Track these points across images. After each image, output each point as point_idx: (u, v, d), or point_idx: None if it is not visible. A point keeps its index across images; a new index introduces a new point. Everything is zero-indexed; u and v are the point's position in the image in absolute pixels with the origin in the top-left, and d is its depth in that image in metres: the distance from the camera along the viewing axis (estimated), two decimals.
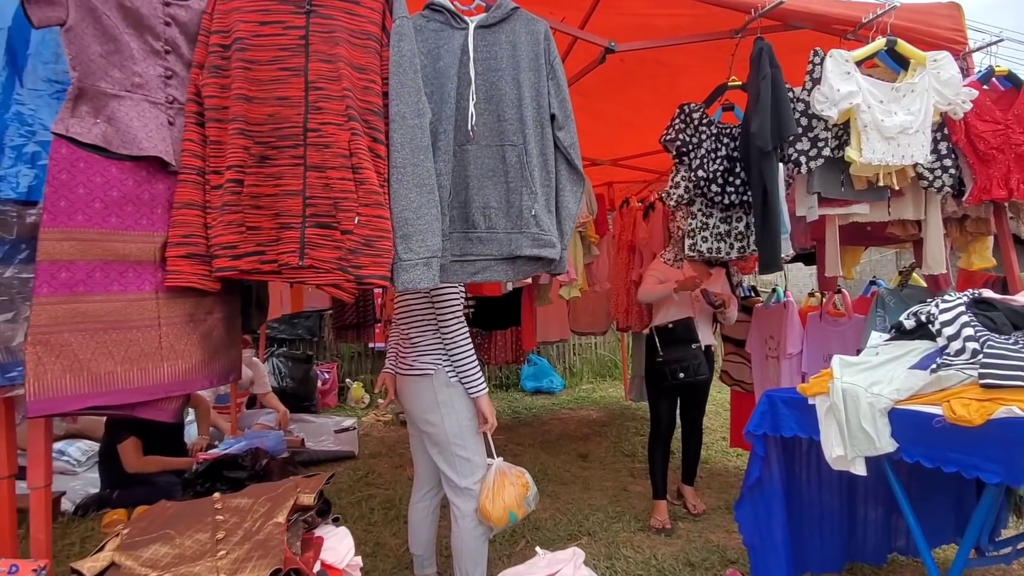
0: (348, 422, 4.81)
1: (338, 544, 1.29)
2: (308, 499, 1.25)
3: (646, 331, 3.20)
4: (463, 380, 1.85)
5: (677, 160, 2.39)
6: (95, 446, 3.88)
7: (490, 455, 1.91)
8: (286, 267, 1.38)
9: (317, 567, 1.18)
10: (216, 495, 1.28)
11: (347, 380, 5.98)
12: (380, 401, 5.55)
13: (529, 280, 3.10)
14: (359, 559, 1.35)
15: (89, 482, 3.45)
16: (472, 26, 1.61)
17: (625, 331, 4.85)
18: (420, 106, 1.44)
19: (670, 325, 2.81)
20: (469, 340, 1.86)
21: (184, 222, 1.31)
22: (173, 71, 1.35)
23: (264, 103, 1.37)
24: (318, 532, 1.29)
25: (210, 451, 3.42)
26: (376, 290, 4.48)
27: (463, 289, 1.92)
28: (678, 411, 3.00)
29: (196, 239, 1.32)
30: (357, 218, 1.35)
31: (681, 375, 2.71)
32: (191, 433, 3.87)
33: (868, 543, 2.21)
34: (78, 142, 1.20)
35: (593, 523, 2.84)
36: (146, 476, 3.17)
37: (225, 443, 3.50)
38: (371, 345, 5.98)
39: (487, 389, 1.91)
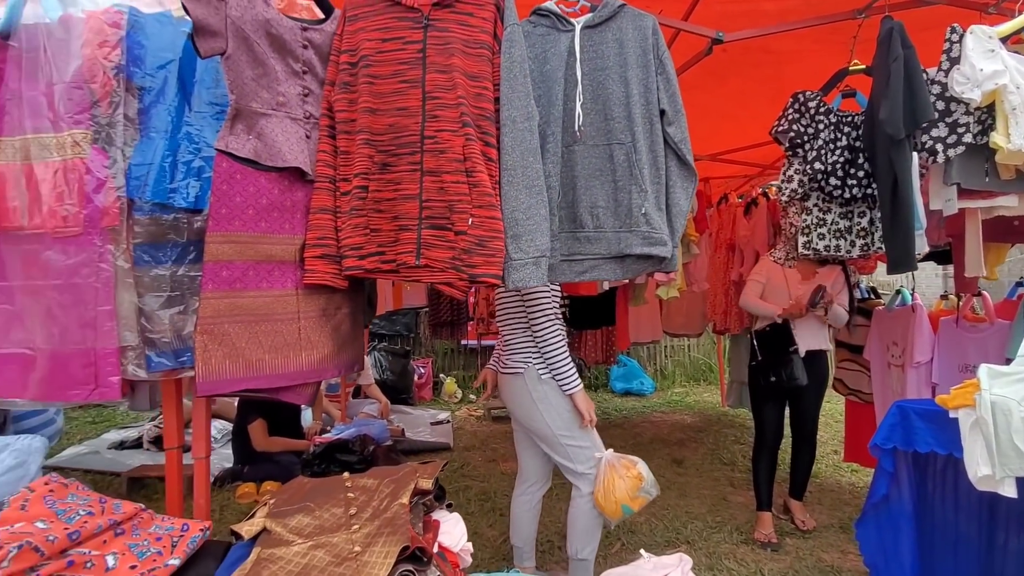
0: (443, 415, 5.02)
1: (452, 528, 1.36)
2: (426, 484, 1.33)
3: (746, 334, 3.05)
4: (556, 377, 1.89)
5: (790, 152, 2.26)
6: (228, 426, 4.36)
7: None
8: (403, 266, 1.48)
9: (435, 548, 1.26)
10: (345, 475, 1.40)
11: (441, 375, 6.24)
12: (473, 397, 5.73)
13: (625, 280, 3.06)
14: (470, 545, 1.41)
15: (224, 457, 3.88)
16: (578, 27, 1.63)
17: (722, 333, 4.64)
18: (529, 109, 1.48)
19: (768, 328, 2.66)
20: (561, 337, 1.89)
21: (319, 226, 1.45)
22: (310, 89, 1.50)
23: (385, 114, 1.48)
24: (435, 516, 1.37)
25: (323, 435, 3.72)
26: (471, 289, 4.63)
27: (558, 289, 1.95)
28: (787, 420, 2.83)
29: (328, 241, 1.45)
30: (471, 219, 1.41)
31: (773, 379, 2.57)
32: (306, 418, 4.23)
33: (1008, 573, 1.96)
34: (235, 156, 1.36)
35: (692, 531, 2.75)
36: (270, 454, 3.51)
37: (337, 428, 3.79)
38: (464, 342, 6.19)
39: (581, 385, 1.92)
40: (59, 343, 1.29)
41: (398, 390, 5.46)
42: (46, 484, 1.15)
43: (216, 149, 1.35)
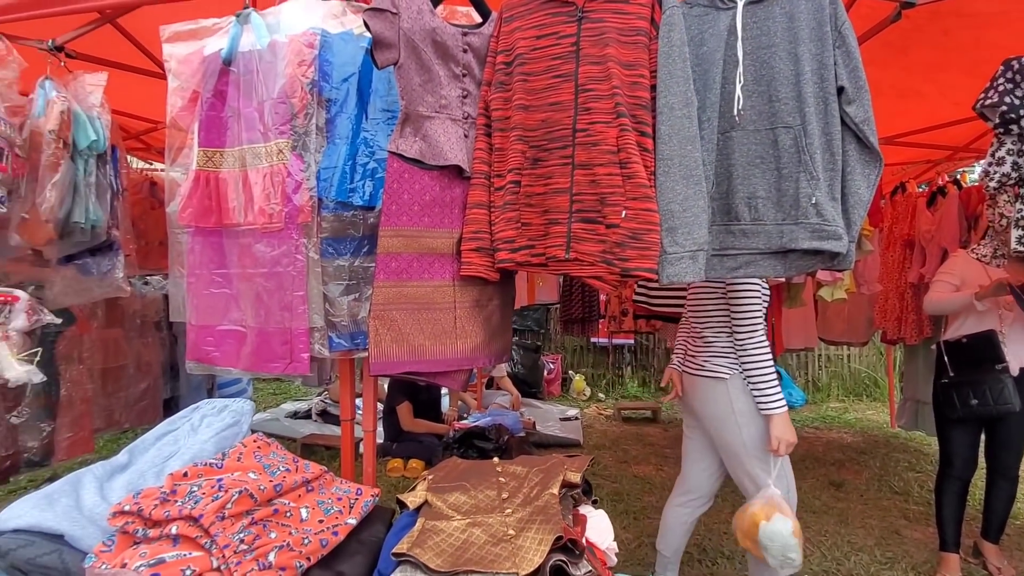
0: (572, 412, 5.03)
1: (600, 524, 1.35)
2: (575, 477, 1.34)
3: (932, 345, 2.61)
4: (755, 393, 1.67)
5: (1001, 129, 1.89)
6: (379, 406, 4.82)
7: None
8: (553, 260, 1.49)
9: (583, 543, 1.25)
10: (495, 459, 1.45)
11: (570, 372, 6.26)
12: (602, 396, 5.62)
13: (781, 279, 2.79)
14: (615, 544, 1.39)
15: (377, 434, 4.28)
16: (740, 4, 1.51)
17: (894, 343, 4.05)
18: (688, 95, 1.42)
19: (964, 339, 2.25)
20: (766, 349, 1.68)
21: (474, 220, 1.52)
22: (468, 91, 1.58)
23: (538, 110, 1.51)
24: (581, 511, 1.37)
25: (461, 421, 3.94)
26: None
27: (765, 289, 1.74)
28: (981, 448, 2.38)
29: (483, 235, 1.52)
30: (624, 212, 1.39)
31: (974, 402, 2.16)
32: (443, 404, 4.51)
33: None
34: (404, 157, 1.48)
35: (856, 564, 2.45)
36: (415, 434, 3.80)
37: (473, 416, 3.99)
38: (594, 340, 6.14)
39: (786, 407, 1.67)
40: (264, 322, 1.51)
41: (528, 384, 5.58)
42: (255, 442, 1.35)
43: (388, 151, 1.48)
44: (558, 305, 5.53)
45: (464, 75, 1.57)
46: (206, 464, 1.17)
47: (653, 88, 1.43)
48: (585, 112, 1.45)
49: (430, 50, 1.53)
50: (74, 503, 1.07)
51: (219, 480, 1.11)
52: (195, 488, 1.07)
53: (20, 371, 1.62)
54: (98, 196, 2.04)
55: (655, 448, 4.16)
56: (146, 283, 3.89)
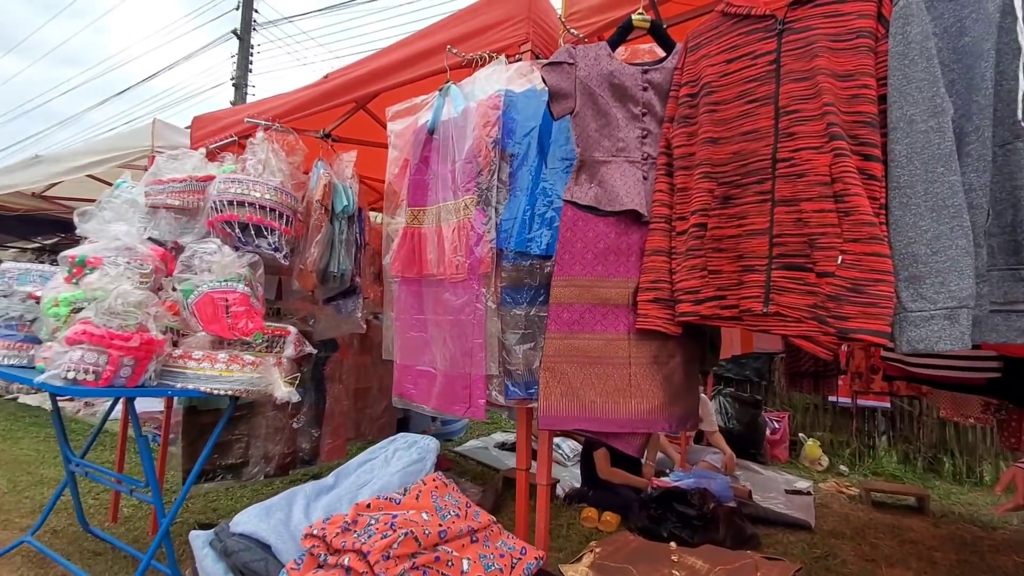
0: (802, 484, 4.23)
1: None
2: None
3: None
4: None
5: None
6: (579, 447, 4.79)
7: None
8: (748, 313, 1.27)
9: None
10: (673, 545, 1.26)
11: (801, 435, 5.31)
12: (844, 469, 4.60)
13: None
14: None
15: (574, 476, 4.24)
16: None
17: None
18: (936, 102, 1.08)
19: None
20: None
21: (653, 268, 1.39)
22: (648, 130, 1.48)
23: (728, 142, 1.32)
24: None
25: (662, 478, 3.64)
26: None
27: None
28: None
29: (662, 284, 1.37)
30: (840, 258, 1.11)
31: None
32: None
33: None
34: (578, 204, 1.45)
35: None
36: (613, 484, 3.63)
37: (675, 474, 3.64)
38: (832, 399, 5.13)
39: None
40: (449, 366, 1.61)
41: (745, 443, 4.90)
42: (434, 480, 1.42)
43: (563, 200, 1.47)
44: (783, 355, 4.78)
45: (644, 114, 1.48)
46: (387, 499, 1.27)
47: (883, 100, 1.13)
48: (788, 138, 1.22)
49: (607, 94, 1.48)
50: (285, 518, 1.27)
51: (393, 517, 1.19)
52: (372, 521, 1.16)
53: (285, 391, 2.03)
54: (347, 250, 2.49)
55: (918, 548, 3.20)
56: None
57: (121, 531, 2.81)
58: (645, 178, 1.46)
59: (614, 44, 1.52)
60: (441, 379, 1.64)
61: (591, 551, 1.27)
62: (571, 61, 1.46)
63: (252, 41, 14.72)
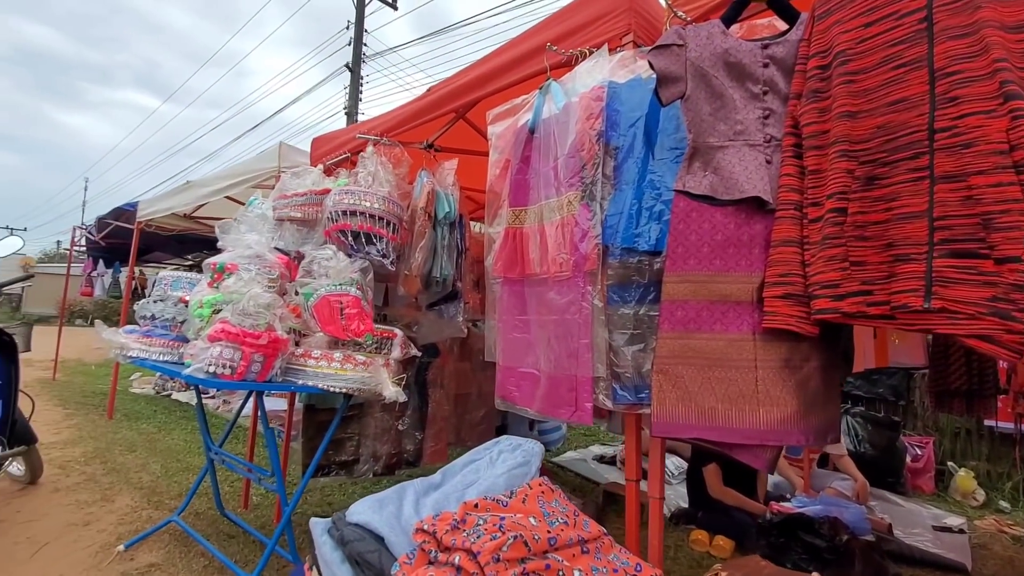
0: (954, 520, 3.64)
1: None
2: None
3: None
4: None
5: None
6: (683, 464, 4.51)
7: None
8: (903, 310, 1.09)
9: None
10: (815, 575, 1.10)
11: (950, 464, 4.60)
12: (1005, 505, 3.94)
13: None
14: None
15: (679, 495, 3.99)
16: None
17: None
18: None
19: None
20: None
21: (781, 260, 1.25)
22: (770, 110, 1.35)
23: (870, 115, 1.16)
24: None
25: (782, 503, 3.30)
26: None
27: None
28: None
29: (793, 278, 1.23)
30: None
31: None
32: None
33: None
34: (691, 195, 1.35)
35: None
36: (725, 506, 3.35)
37: (798, 500, 3.29)
38: (989, 423, 4.41)
39: None
40: (554, 368, 1.56)
41: (880, 470, 4.33)
42: (540, 485, 1.38)
43: (675, 190, 1.37)
44: (926, 371, 4.17)
45: (765, 93, 1.35)
46: (494, 499, 1.25)
47: None
48: (948, 104, 1.05)
49: (722, 74, 1.37)
50: (396, 511, 1.29)
51: (502, 519, 1.16)
52: (481, 521, 1.14)
53: (393, 391, 2.10)
54: (449, 255, 2.55)
55: None
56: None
57: (251, 517, 3.06)
58: (769, 162, 1.32)
59: (728, 20, 1.41)
60: (545, 381, 1.60)
61: (715, 574, 1.15)
62: (680, 42, 1.37)
63: (361, 72, 15.96)
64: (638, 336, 1.46)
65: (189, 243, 7.82)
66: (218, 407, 6.42)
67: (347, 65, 15.92)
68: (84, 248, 8.05)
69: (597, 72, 1.59)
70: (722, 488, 3.38)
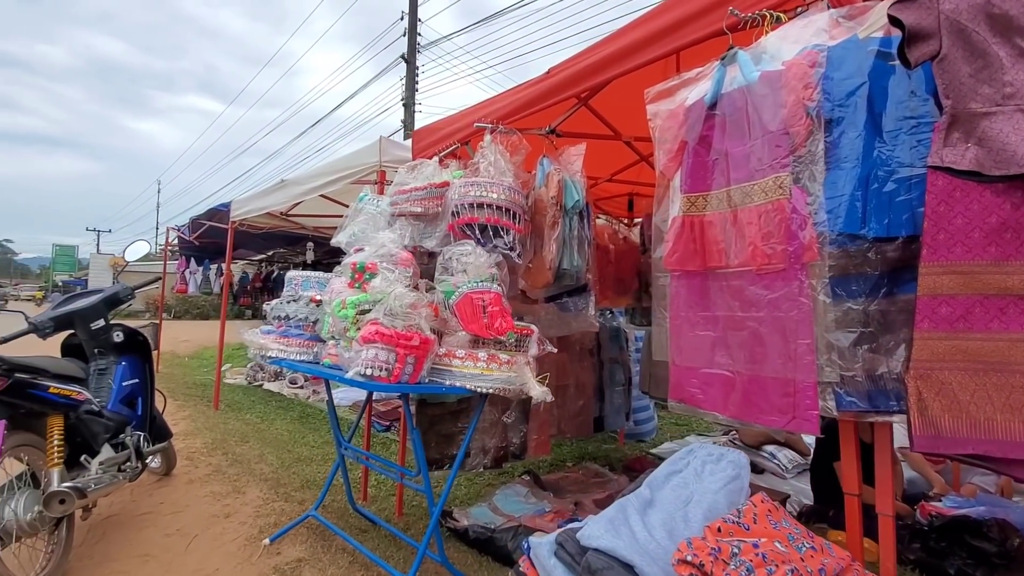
0: None
1: None
2: None
3: None
4: None
5: None
6: (796, 457, 4.26)
7: None
8: None
9: None
10: None
11: None
12: None
13: None
14: None
15: (798, 490, 3.76)
16: None
17: None
18: None
19: None
20: None
21: None
22: None
23: None
24: None
25: (932, 503, 3.03)
26: None
27: None
28: None
29: None
30: None
31: None
32: None
33: None
34: (952, 171, 1.15)
35: None
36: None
37: (951, 500, 3.01)
38: None
39: None
40: (758, 370, 1.41)
41: None
42: (763, 502, 1.24)
43: (928, 167, 1.18)
44: None
45: None
46: (733, 523, 1.13)
47: None
48: None
49: (983, 28, 1.16)
50: (630, 534, 1.19)
51: (755, 545, 1.03)
52: (735, 549, 1.02)
53: (540, 391, 2.01)
54: (579, 247, 2.43)
55: None
56: None
57: (372, 509, 3.09)
58: None
59: None
60: (744, 384, 1.45)
61: None
62: None
63: (416, 62, 16.00)
64: (868, 335, 1.29)
65: (271, 240, 8.10)
66: (308, 396, 6.64)
67: (403, 56, 15.98)
68: (177, 247, 8.48)
69: (804, 35, 1.41)
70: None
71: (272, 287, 10.98)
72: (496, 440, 3.63)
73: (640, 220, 4.43)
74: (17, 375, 2.11)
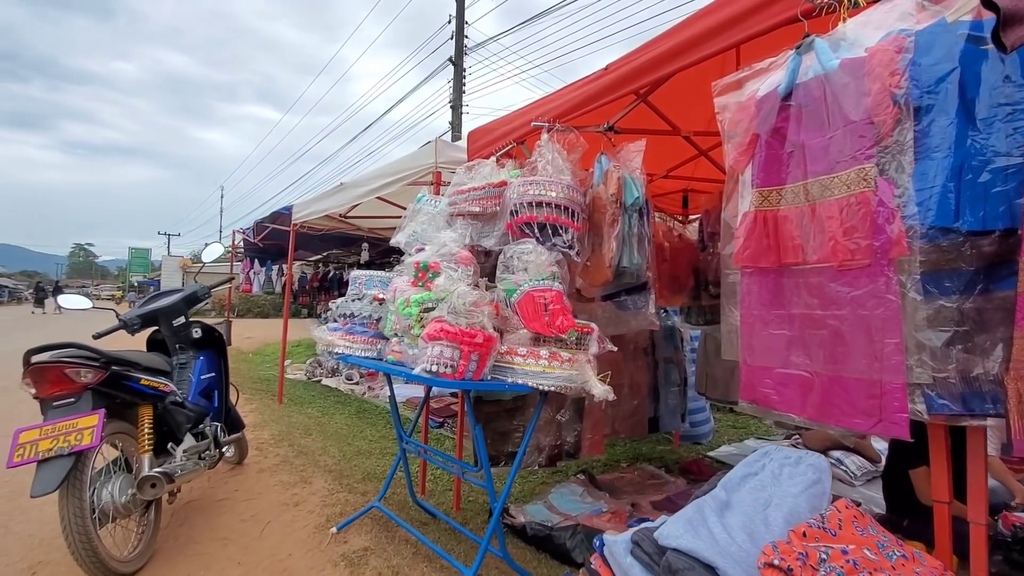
0: None
1: None
2: None
3: None
4: None
5: None
6: (866, 464, 4.05)
7: None
8: None
9: None
10: None
11: None
12: None
13: None
14: None
15: (867, 498, 3.59)
16: None
17: None
18: None
19: None
20: None
21: None
22: None
23: None
24: None
25: (1016, 513, 2.81)
26: None
27: None
28: None
29: None
30: None
31: None
32: None
33: None
34: None
35: None
36: None
37: None
38: None
39: None
40: (840, 370, 1.36)
41: None
42: (847, 508, 1.20)
43: None
44: None
45: None
46: (819, 528, 1.09)
47: None
48: None
49: None
50: (710, 535, 1.17)
51: (843, 551, 1.00)
52: (823, 555, 0.99)
53: (602, 389, 2.01)
54: (639, 245, 2.40)
55: None
56: None
57: (430, 503, 3.17)
58: None
59: None
60: (824, 385, 1.40)
61: None
62: None
63: (464, 64, 16.20)
64: (963, 334, 1.22)
65: (327, 241, 8.40)
66: (364, 393, 6.85)
67: (450, 59, 16.22)
68: (242, 249, 8.94)
69: (887, 19, 1.34)
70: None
71: (328, 287, 11.40)
72: (551, 438, 3.64)
73: (696, 217, 4.33)
74: (113, 368, 2.30)
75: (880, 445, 4.16)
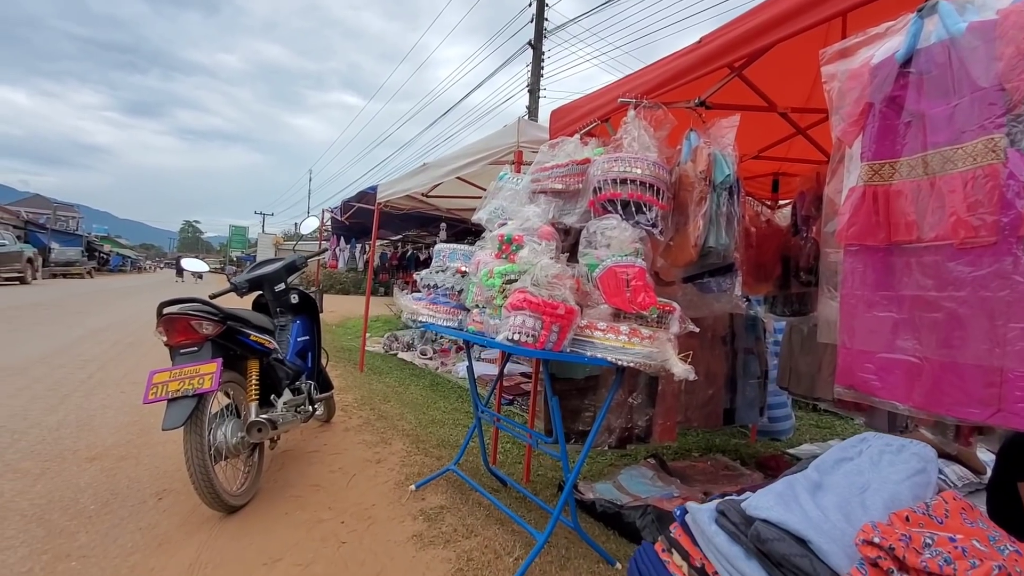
0: None
1: None
2: None
3: None
4: None
5: None
6: (967, 475, 3.71)
7: None
8: None
9: None
10: None
11: None
12: None
13: None
14: None
15: None
16: None
17: None
18: None
19: None
20: None
21: None
22: None
23: None
24: None
25: None
26: None
27: None
28: None
29: None
30: None
31: None
32: None
33: None
34: None
35: None
36: None
37: None
38: None
39: None
40: (953, 356, 1.27)
41: None
42: (955, 500, 1.13)
43: None
44: None
45: None
46: (923, 514, 1.04)
47: None
48: None
49: None
50: (801, 510, 1.15)
51: (951, 539, 0.95)
52: (928, 540, 0.94)
53: (683, 368, 1.99)
54: (727, 224, 2.33)
55: None
56: None
57: (501, 472, 3.27)
58: None
59: None
60: (935, 371, 1.31)
61: None
62: None
63: (542, 48, 16.07)
64: None
65: (407, 221, 8.72)
66: (437, 367, 7.12)
67: (530, 42, 16.14)
68: (330, 227, 9.49)
69: None
70: None
71: (406, 265, 11.87)
72: (621, 421, 3.63)
73: (787, 202, 4.09)
74: (229, 323, 2.55)
75: (986, 457, 3.80)
